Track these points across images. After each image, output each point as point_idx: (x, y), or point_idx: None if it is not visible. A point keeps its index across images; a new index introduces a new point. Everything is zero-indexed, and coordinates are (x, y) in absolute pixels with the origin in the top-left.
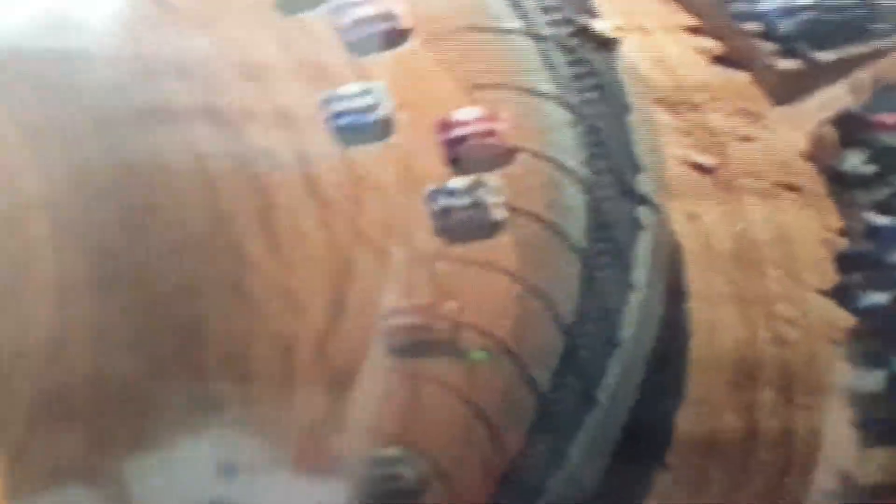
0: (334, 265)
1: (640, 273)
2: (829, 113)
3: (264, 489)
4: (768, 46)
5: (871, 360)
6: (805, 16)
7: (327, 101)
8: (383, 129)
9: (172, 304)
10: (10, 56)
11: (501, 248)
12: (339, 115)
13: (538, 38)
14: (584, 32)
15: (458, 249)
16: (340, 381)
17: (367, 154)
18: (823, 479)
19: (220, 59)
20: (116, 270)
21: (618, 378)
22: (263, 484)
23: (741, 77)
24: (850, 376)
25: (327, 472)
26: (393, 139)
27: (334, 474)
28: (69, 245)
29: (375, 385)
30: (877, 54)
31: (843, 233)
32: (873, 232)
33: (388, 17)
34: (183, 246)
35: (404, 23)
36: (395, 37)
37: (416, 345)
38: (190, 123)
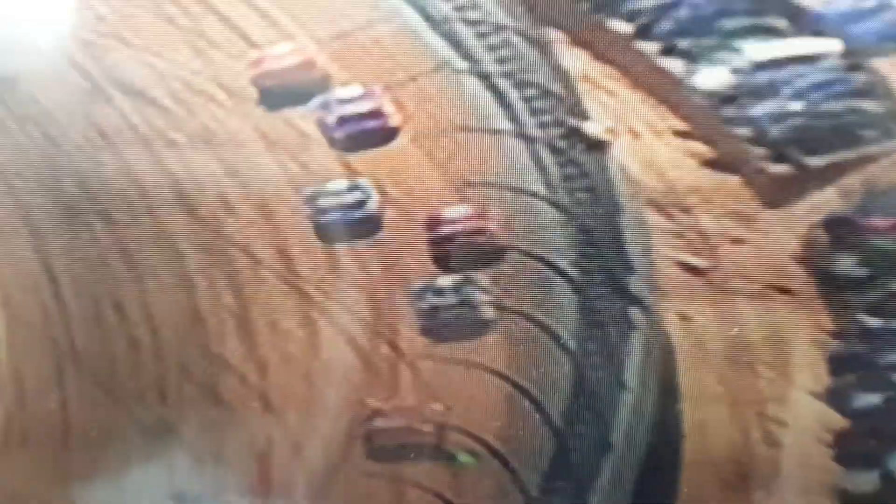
0: (313, 366)
1: (632, 373)
2: (820, 216)
3: None
4: (759, 151)
5: (863, 461)
6: (795, 121)
7: (312, 197)
8: (370, 225)
9: (139, 405)
10: None
11: (490, 347)
12: (324, 210)
13: (528, 139)
14: (574, 134)
15: (445, 348)
16: (318, 485)
17: (352, 250)
18: None
19: (198, 155)
20: (80, 369)
21: (610, 481)
22: None
23: (732, 180)
24: (843, 477)
25: None
26: (379, 236)
27: None
28: (27, 344)
29: (356, 490)
30: (866, 159)
31: (835, 335)
32: (866, 334)
33: (377, 114)
34: (153, 346)
35: (393, 121)
36: (385, 134)
37: (400, 448)
38: (170, 217)
